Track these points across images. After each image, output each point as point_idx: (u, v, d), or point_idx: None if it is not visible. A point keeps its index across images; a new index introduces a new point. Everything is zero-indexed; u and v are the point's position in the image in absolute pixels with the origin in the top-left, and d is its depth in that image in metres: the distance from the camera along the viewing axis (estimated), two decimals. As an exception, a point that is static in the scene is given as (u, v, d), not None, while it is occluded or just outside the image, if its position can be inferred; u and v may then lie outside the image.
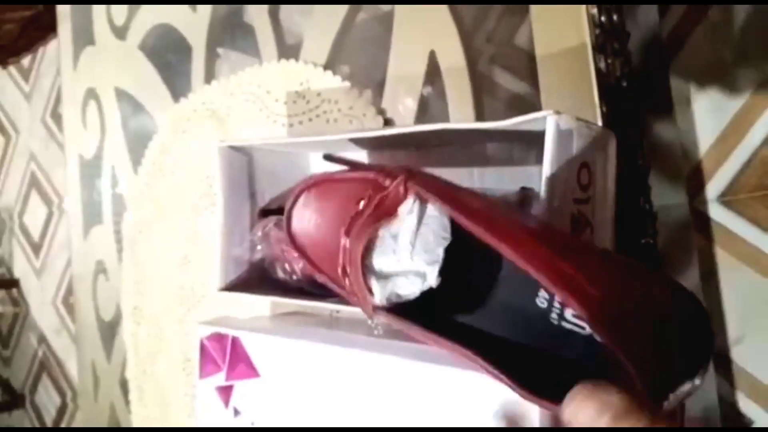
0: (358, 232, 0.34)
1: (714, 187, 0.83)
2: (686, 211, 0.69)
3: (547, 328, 0.34)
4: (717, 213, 0.83)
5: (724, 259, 0.84)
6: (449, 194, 0.32)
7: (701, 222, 0.84)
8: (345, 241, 0.35)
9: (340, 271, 0.36)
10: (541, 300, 0.35)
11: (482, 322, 0.36)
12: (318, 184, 0.40)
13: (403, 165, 0.37)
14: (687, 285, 0.66)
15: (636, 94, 0.50)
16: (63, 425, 2.35)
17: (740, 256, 0.84)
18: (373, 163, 0.56)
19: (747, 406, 0.89)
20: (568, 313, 0.34)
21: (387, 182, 0.35)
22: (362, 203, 0.34)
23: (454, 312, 0.38)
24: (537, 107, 0.50)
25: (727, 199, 0.83)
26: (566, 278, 0.28)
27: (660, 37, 0.59)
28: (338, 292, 0.40)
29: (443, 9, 0.56)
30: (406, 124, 0.59)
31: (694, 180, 0.84)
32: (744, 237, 0.85)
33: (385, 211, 0.34)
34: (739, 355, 0.86)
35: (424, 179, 0.34)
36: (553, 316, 0.34)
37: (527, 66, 0.51)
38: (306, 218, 0.41)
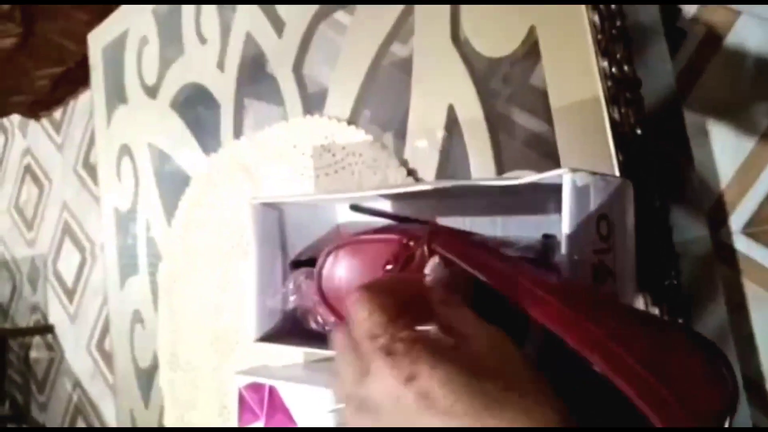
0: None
1: (738, 219, 0.83)
2: (709, 244, 0.69)
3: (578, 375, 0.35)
4: (743, 245, 0.83)
5: (752, 291, 0.83)
6: (471, 256, 0.34)
7: (726, 255, 0.84)
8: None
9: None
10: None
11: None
12: (346, 245, 0.42)
13: (425, 224, 0.39)
14: (715, 318, 0.66)
15: (651, 140, 0.51)
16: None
17: (770, 287, 0.83)
18: (397, 214, 0.58)
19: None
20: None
21: (411, 243, 0.37)
22: (389, 266, 0.36)
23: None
24: (554, 146, 0.52)
25: (752, 230, 0.82)
26: (590, 337, 0.29)
27: (672, 78, 0.60)
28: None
29: (458, 59, 0.58)
30: (428, 175, 0.61)
31: (716, 213, 0.84)
32: (772, 268, 0.84)
33: (412, 273, 0.35)
34: (773, 386, 0.85)
35: (446, 239, 0.36)
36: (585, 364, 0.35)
37: (543, 104, 0.52)
38: (336, 277, 0.43)
